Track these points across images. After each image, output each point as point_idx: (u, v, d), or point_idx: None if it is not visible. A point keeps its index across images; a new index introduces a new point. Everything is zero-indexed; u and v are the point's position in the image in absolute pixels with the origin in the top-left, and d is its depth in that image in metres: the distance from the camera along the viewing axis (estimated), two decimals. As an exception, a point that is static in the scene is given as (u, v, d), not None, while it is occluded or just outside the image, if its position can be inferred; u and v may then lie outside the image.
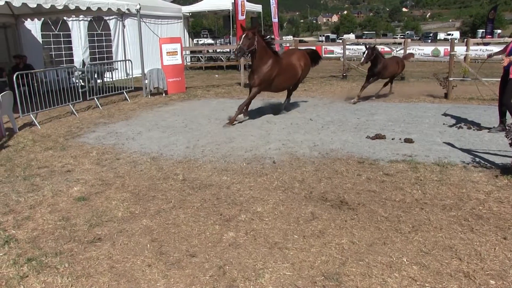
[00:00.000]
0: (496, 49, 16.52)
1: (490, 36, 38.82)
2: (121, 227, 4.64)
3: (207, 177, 6.18)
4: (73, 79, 14.21)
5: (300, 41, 35.91)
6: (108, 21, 19.28)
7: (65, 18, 16.22)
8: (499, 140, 7.73)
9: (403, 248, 4.12)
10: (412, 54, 16.68)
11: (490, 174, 6.10)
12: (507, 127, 6.28)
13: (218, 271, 3.78)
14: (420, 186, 5.69)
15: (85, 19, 17.86)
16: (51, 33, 16.64)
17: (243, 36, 9.04)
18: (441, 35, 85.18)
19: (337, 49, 31.15)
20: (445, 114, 10.43)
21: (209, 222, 4.75)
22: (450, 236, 4.37)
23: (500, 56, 8.56)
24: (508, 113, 8.29)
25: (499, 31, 60.20)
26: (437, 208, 5.02)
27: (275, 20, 30.09)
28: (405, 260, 3.90)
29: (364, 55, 12.17)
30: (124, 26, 19.97)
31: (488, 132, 8.40)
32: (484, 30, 46.23)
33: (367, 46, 12.34)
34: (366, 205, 5.10)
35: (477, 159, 6.83)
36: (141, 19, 14.14)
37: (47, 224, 4.77)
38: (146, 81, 14.28)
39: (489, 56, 9.44)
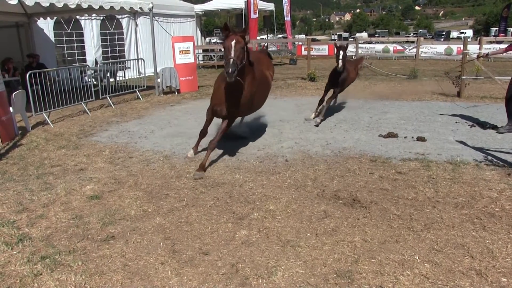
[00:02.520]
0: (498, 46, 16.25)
1: (504, 35, 38.35)
2: (134, 225, 4.70)
3: (220, 176, 6.22)
4: (86, 78, 14.37)
5: (313, 40, 35.86)
6: (120, 20, 19.42)
7: (77, 17, 16.32)
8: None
9: (415, 246, 4.12)
10: (362, 58, 15.23)
11: (502, 173, 6.05)
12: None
13: (231, 269, 3.81)
14: (433, 184, 5.67)
15: (98, 18, 18.00)
16: (63, 32, 16.78)
17: (233, 42, 5.76)
18: (454, 34, 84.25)
19: (350, 47, 30.97)
20: (458, 113, 10.35)
21: (221, 220, 4.79)
22: (462, 234, 4.36)
23: None
24: None
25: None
26: (449, 206, 5.00)
27: (287, 18, 30.14)
28: (417, 258, 3.90)
29: (341, 58, 9.25)
30: (136, 24, 20.09)
31: (496, 132, 8.31)
32: (497, 29, 45.64)
33: (338, 45, 9.50)
34: (378, 203, 5.10)
35: (490, 158, 6.79)
36: (153, 18, 14.22)
37: (60, 223, 4.83)
38: (159, 80, 14.37)
39: (486, 55, 9.34)
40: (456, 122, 9.38)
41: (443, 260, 3.88)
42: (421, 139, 7.92)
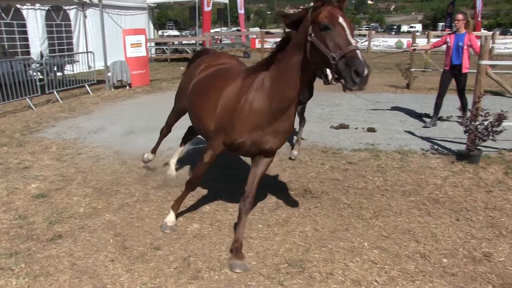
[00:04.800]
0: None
1: (449, 29, 39.81)
2: (83, 223, 4.57)
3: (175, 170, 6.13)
4: (30, 71, 13.75)
5: (267, 33, 35.96)
6: (68, 11, 18.67)
7: (18, 5, 15.52)
8: (456, 128, 7.98)
9: (364, 233, 4.24)
10: None
11: (446, 161, 6.31)
12: (463, 117, 6.48)
13: (183, 263, 3.78)
14: (382, 174, 5.84)
15: (42, 8, 17.18)
16: (1, 21, 15.86)
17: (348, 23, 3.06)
18: (405, 28, 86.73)
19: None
20: (407, 104, 10.68)
21: (174, 214, 4.73)
22: (409, 220, 4.52)
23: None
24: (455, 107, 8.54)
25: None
26: (397, 194, 5.17)
27: (241, 11, 30.06)
28: (366, 245, 4.02)
29: None
30: (85, 16, 19.42)
31: (423, 127, 8.58)
32: (444, 24, 47.33)
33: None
34: (329, 193, 5.19)
35: (435, 147, 7.06)
36: (103, 10, 13.83)
37: (1, 224, 4.57)
38: (109, 74, 14.01)
39: (414, 50, 9.63)
40: (405, 113, 9.68)
41: (391, 246, 4.01)
42: (371, 130, 8.13)
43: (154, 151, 6.04)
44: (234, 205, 4.90)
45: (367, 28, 64.63)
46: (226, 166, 6.14)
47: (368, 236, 4.19)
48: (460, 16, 8.12)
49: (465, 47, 7.96)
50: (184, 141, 5.89)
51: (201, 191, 5.34)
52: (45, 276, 3.62)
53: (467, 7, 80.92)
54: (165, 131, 5.86)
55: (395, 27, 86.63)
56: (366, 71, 2.78)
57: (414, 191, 5.27)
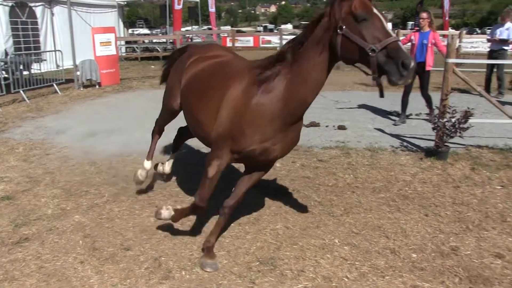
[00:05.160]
0: None
1: (418, 28, 40.60)
2: (51, 224, 4.46)
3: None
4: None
5: (238, 31, 35.91)
6: (34, 8, 18.19)
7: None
8: (424, 125, 8.14)
9: (335, 230, 4.28)
10: None
11: (416, 157, 6.43)
12: (430, 115, 6.61)
13: (154, 263, 3.74)
14: (352, 171, 5.90)
15: (5, 3, 16.66)
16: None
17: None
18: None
19: (275, 39, 31.38)
20: (377, 102, 10.83)
21: (144, 214, 4.68)
22: (379, 216, 4.59)
23: None
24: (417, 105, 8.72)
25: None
26: (367, 191, 5.23)
27: (212, 10, 29.92)
28: (337, 242, 4.06)
29: None
30: (52, 14, 18.99)
31: (393, 124, 8.72)
32: (413, 23, 48.24)
33: None
34: (300, 191, 5.22)
35: (405, 144, 7.18)
36: (71, 7, 13.55)
37: (-38, 228, 4.40)
38: (78, 73, 13.74)
39: None
40: (375, 111, 9.82)
41: (361, 242, 4.06)
42: (341, 127, 8.21)
43: (150, 157, 5.08)
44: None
45: (338, 27, 64.97)
46: (198, 164, 6.10)
47: (339, 233, 4.23)
48: (424, 15, 8.28)
49: (429, 45, 8.13)
50: (177, 145, 5.27)
51: (172, 191, 5.29)
52: (9, 281, 3.51)
53: (435, 6, 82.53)
54: (157, 133, 5.14)
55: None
56: (412, 64, 2.66)
57: (384, 187, 5.35)
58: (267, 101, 3.22)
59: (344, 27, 2.84)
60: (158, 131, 5.15)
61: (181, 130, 5.18)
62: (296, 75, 3.13)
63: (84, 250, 3.96)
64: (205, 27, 38.13)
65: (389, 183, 5.49)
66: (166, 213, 3.83)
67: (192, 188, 5.29)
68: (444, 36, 17.38)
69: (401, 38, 12.07)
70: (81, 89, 13.63)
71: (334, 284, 3.45)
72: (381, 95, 2.95)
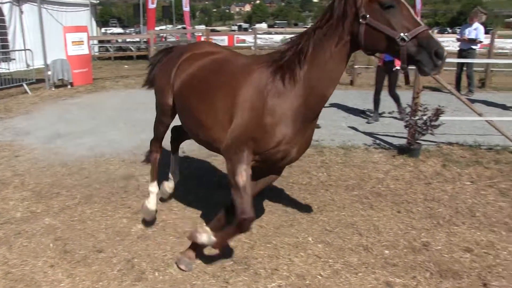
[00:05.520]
0: None
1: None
2: (19, 228, 4.35)
3: (115, 170, 5.99)
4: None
5: (212, 30, 35.76)
6: (1, 5, 17.72)
7: None
8: (397, 123, 8.26)
9: (308, 228, 4.30)
10: None
11: (388, 155, 6.52)
12: (402, 112, 6.71)
13: (127, 265, 3.70)
14: (326, 169, 5.94)
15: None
16: None
17: None
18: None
19: (249, 39, 31.38)
20: (350, 100, 10.94)
21: (117, 216, 4.62)
22: (352, 213, 4.63)
23: None
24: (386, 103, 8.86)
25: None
26: (340, 189, 5.28)
27: (186, 9, 29.67)
28: (310, 240, 4.08)
29: None
30: (21, 12, 18.51)
31: (366, 123, 8.82)
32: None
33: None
34: (273, 190, 5.23)
35: (378, 141, 7.27)
36: (41, 5, 13.25)
37: None
38: (49, 73, 13.45)
39: None
40: (349, 109, 9.92)
41: (335, 239, 4.09)
42: (315, 126, 8.25)
43: (155, 178, 4.49)
44: (178, 204, 4.85)
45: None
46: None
47: (313, 231, 4.25)
48: None
49: None
50: (176, 147, 4.79)
51: (145, 191, 5.22)
52: (-26, 287, 3.42)
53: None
54: (157, 146, 4.51)
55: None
56: (445, 53, 2.57)
57: (357, 185, 5.41)
58: (286, 98, 3.02)
59: (368, 16, 2.68)
60: (158, 143, 4.50)
61: (177, 129, 4.71)
62: (313, 68, 2.94)
63: (54, 254, 3.88)
64: (179, 26, 37.90)
65: (362, 181, 5.55)
66: (204, 237, 3.41)
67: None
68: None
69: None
70: (53, 89, 13.35)
71: (307, 282, 3.46)
72: (407, 83, 2.92)
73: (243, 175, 3.12)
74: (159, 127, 4.39)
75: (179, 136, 4.73)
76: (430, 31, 2.61)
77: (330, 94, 3.05)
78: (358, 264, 3.69)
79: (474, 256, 3.84)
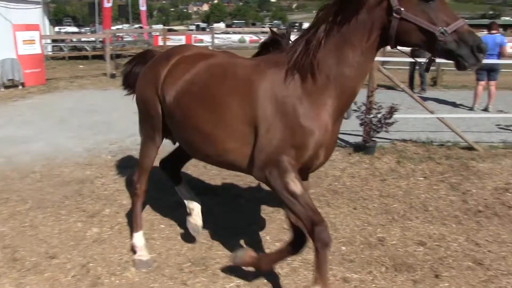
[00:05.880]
0: None
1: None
2: (-36, 237, 4.15)
3: (69, 173, 5.82)
4: None
5: (170, 30, 35.37)
6: None
7: None
8: (353, 121, 8.39)
9: (266, 228, 4.32)
10: None
11: (345, 152, 6.63)
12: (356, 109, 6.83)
13: (81, 270, 3.60)
14: (284, 168, 5.97)
15: None
16: None
17: None
18: (306, 25, 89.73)
19: (207, 38, 31.21)
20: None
21: (71, 220, 4.49)
22: (310, 212, 4.66)
23: None
24: None
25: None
26: (298, 187, 5.31)
27: (143, 8, 29.26)
28: (268, 239, 4.10)
29: None
30: (-33, 9, 17.72)
31: None
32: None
33: None
34: (231, 190, 5.23)
35: (335, 139, 7.36)
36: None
37: None
38: (-2, 73, 12.95)
39: None
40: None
41: (292, 238, 4.11)
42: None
43: (139, 227, 3.84)
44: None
45: (270, 26, 66.02)
46: (126, 166, 5.95)
47: (270, 230, 4.27)
48: None
49: None
50: (178, 177, 4.12)
51: (101, 194, 5.11)
52: None
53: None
54: (140, 191, 3.81)
55: (297, 24, 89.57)
56: (485, 48, 2.49)
57: (314, 183, 5.46)
58: (317, 98, 2.78)
59: (402, 9, 2.53)
60: (144, 179, 3.79)
61: (168, 160, 4.13)
62: (343, 67, 2.74)
63: (2, 262, 3.71)
64: (136, 25, 37.34)
65: (319, 179, 5.61)
66: (244, 255, 3.24)
67: (122, 189, 5.16)
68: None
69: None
70: (2, 89, 12.85)
71: (265, 280, 3.47)
72: (427, 70, 2.85)
73: (296, 183, 2.79)
74: (148, 152, 3.71)
75: (174, 165, 4.11)
76: (468, 25, 2.51)
77: (359, 90, 2.90)
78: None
79: (427, 249, 3.96)
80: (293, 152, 2.80)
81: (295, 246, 3.16)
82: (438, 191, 5.30)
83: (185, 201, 4.03)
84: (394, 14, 2.55)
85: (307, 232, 2.89)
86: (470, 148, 6.87)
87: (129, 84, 4.14)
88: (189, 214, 3.93)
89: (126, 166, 6.00)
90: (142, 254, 3.71)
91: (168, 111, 3.35)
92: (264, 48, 5.73)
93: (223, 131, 2.99)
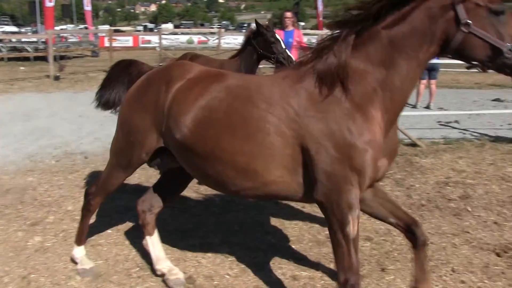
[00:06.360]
0: None
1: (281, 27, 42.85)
2: None
3: (10, 180, 5.57)
4: None
5: (117, 31, 34.64)
6: None
7: None
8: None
9: (215, 229, 4.30)
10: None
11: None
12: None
13: (21, 282, 3.44)
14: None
15: None
16: None
17: None
18: (254, 26, 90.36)
19: (155, 39, 30.72)
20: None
21: (10, 229, 4.28)
22: (259, 212, 4.71)
23: None
24: None
25: (302, 23, 66.68)
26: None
27: (87, 8, 28.49)
28: (217, 240, 4.07)
29: None
30: None
31: None
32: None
33: None
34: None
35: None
36: None
37: None
38: None
39: None
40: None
41: (242, 239, 4.13)
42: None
43: (81, 242, 3.61)
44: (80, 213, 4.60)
45: (219, 26, 65.96)
46: (71, 171, 5.77)
47: (220, 232, 4.25)
48: (288, 14, 8.54)
49: (295, 43, 8.48)
50: (152, 226, 3.60)
51: (44, 201, 4.92)
52: None
53: (310, 7, 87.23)
54: (92, 206, 3.53)
55: (245, 25, 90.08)
56: None
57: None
58: (366, 112, 2.51)
59: (471, 22, 2.34)
60: (101, 198, 3.53)
61: (147, 200, 3.64)
62: (395, 78, 2.52)
63: None
64: (82, 26, 36.32)
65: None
66: None
67: (68, 195, 5.00)
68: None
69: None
70: None
71: (216, 282, 3.46)
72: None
73: (355, 224, 2.55)
74: (115, 177, 3.38)
75: (153, 206, 3.61)
76: None
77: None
78: (265, 261, 3.74)
79: (374, 244, 4.07)
80: (356, 177, 2.50)
81: None
82: (383, 186, 5.45)
83: (154, 258, 3.51)
84: (462, 28, 2.36)
85: (337, 278, 2.68)
86: (413, 144, 7.13)
87: (107, 100, 3.67)
88: (164, 274, 3.43)
89: (71, 171, 5.82)
90: (84, 263, 3.53)
91: (184, 145, 2.87)
92: (248, 43, 5.68)
93: (263, 160, 2.62)
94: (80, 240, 3.60)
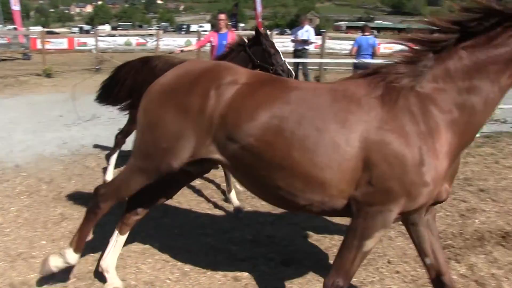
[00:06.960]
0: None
1: (235, 29, 42.87)
2: None
3: None
4: None
5: (50, 32, 33.26)
6: None
7: None
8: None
9: (155, 234, 4.25)
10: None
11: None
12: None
13: None
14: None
15: None
16: None
17: None
18: (194, 27, 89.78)
19: (91, 41, 29.75)
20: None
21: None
22: (199, 214, 4.74)
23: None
24: None
25: (242, 24, 67.01)
26: (186, 190, 5.24)
27: (16, 8, 27.08)
28: (157, 245, 4.03)
29: None
30: None
31: None
32: (230, 23, 50.71)
33: None
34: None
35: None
36: None
37: None
38: None
39: (181, 50, 9.94)
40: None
41: (182, 242, 4.11)
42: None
43: (79, 247, 3.23)
44: (11, 224, 4.39)
45: (158, 28, 65.00)
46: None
47: (160, 236, 4.20)
48: (222, 16, 8.52)
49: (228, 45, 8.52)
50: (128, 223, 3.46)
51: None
52: None
53: (249, 8, 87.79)
54: (101, 209, 3.15)
55: (185, 26, 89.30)
56: None
57: (203, 185, 5.49)
58: (436, 139, 2.40)
59: None
60: (111, 201, 3.17)
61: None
62: (471, 98, 2.41)
63: None
64: (11, 27, 34.56)
65: (207, 181, 5.64)
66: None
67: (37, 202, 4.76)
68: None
69: (201, 39, 12.39)
70: None
71: (157, 287, 3.42)
72: None
73: (375, 242, 2.55)
74: (134, 181, 3.02)
75: (140, 209, 3.47)
76: None
77: None
78: (206, 264, 3.75)
79: (314, 241, 4.17)
80: (404, 202, 2.43)
81: None
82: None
83: (107, 256, 3.38)
84: None
85: (326, 279, 2.63)
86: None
87: (113, 95, 3.69)
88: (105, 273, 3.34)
89: (0, 180, 5.53)
90: (57, 266, 3.19)
91: (247, 156, 2.67)
92: (240, 50, 5.32)
93: (332, 172, 2.50)
94: (77, 245, 3.17)
